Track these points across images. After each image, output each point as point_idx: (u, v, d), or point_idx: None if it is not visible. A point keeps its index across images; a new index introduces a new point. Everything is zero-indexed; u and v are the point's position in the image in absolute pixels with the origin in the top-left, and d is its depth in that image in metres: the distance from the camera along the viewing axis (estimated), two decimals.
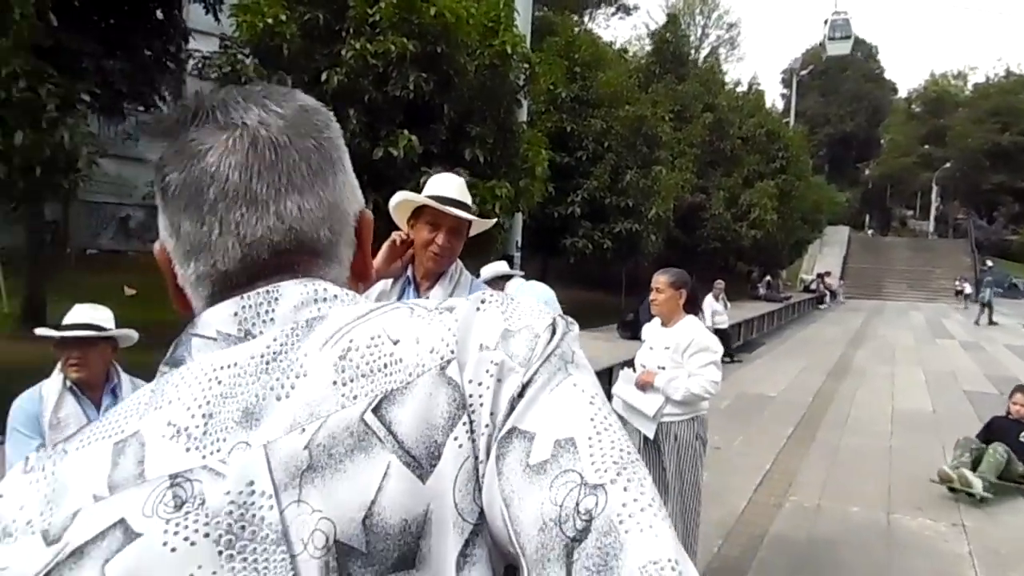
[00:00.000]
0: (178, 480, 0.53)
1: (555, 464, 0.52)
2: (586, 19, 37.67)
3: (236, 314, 0.61)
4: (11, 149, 4.25)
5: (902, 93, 70.14)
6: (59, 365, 2.56)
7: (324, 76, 8.09)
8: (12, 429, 2.48)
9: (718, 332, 12.21)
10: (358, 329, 0.59)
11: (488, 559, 0.54)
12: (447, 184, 2.25)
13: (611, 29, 69.20)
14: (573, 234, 13.59)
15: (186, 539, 0.51)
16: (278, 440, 0.54)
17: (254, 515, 0.52)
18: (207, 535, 0.51)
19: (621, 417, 3.77)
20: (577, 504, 0.50)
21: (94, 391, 2.60)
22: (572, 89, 13.98)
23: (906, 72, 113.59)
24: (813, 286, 30.70)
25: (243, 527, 0.52)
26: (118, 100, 9.09)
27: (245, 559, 0.51)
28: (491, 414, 0.55)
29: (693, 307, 3.81)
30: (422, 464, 0.53)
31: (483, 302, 0.61)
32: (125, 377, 2.71)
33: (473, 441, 0.54)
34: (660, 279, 3.79)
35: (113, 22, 8.74)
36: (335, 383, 0.56)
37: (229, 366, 0.58)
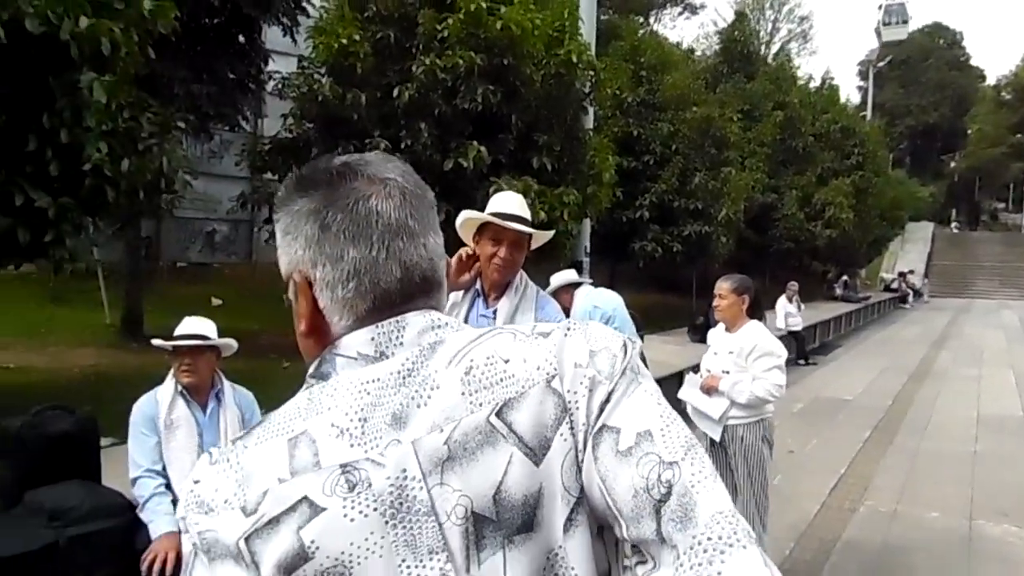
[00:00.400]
0: (347, 469, 0.71)
1: (638, 449, 0.71)
2: (651, 20, 37.39)
3: (373, 339, 0.77)
4: (118, 175, 4.64)
5: (990, 80, 66.70)
6: (171, 372, 2.85)
7: (396, 91, 8.40)
8: (134, 428, 2.76)
9: (792, 334, 12.09)
10: (475, 351, 0.77)
11: (587, 523, 0.73)
12: (508, 201, 2.42)
13: (677, 29, 68.39)
14: (642, 238, 13.58)
15: (361, 512, 0.69)
16: (423, 438, 0.72)
17: (408, 494, 0.70)
18: (375, 509, 0.69)
19: (687, 419, 3.86)
20: (659, 476, 0.69)
21: (201, 395, 2.87)
22: (638, 93, 13.99)
23: (994, 58, 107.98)
24: (894, 285, 29.58)
25: (401, 503, 0.70)
26: (205, 122, 9.64)
27: (405, 527, 0.70)
28: (586, 415, 0.74)
29: (756, 312, 3.85)
30: (536, 453, 0.72)
31: (569, 329, 0.80)
32: (227, 383, 2.98)
33: (574, 436, 0.73)
34: (723, 286, 3.86)
35: (199, 48, 9.27)
36: (463, 394, 0.74)
37: (373, 380, 0.75)
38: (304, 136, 9.25)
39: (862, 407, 8.74)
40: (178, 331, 2.85)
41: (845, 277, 22.95)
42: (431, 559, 0.69)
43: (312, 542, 0.69)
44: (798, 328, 12.25)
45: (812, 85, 25.83)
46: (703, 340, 10.08)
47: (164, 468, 2.72)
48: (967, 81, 64.53)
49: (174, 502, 2.67)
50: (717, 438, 3.75)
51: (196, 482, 0.77)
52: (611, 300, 4.76)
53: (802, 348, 12.32)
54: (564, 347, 0.77)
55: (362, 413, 0.73)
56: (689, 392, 3.92)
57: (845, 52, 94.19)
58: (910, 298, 28.82)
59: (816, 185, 19.94)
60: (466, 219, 2.42)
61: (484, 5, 8.30)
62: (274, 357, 8.81)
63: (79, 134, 4.40)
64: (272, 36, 10.78)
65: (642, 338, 5.23)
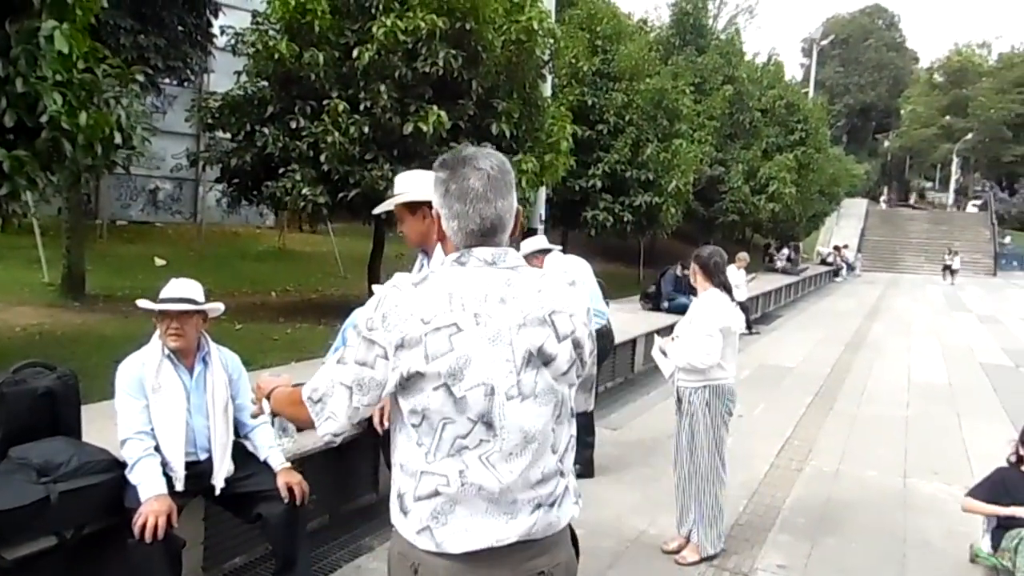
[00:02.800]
0: (477, 314, 1.43)
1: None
2: None
3: (492, 254, 1.49)
4: (76, 128, 4.48)
5: (924, 63, 69.04)
6: (156, 334, 2.82)
7: (355, 52, 8.25)
8: (121, 391, 2.74)
9: (738, 304, 12.45)
10: (536, 279, 1.52)
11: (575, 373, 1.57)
12: (396, 181, 2.89)
13: (628, 0, 68.32)
14: (594, 207, 13.73)
15: (479, 335, 1.42)
16: (513, 312, 1.46)
17: (502, 336, 1.44)
18: (486, 336, 1.42)
19: None
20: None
21: (187, 358, 2.86)
22: (594, 63, 14.01)
23: (929, 42, 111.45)
24: (830, 259, 30.67)
25: (498, 337, 1.43)
26: (153, 75, 9.28)
27: (498, 348, 1.43)
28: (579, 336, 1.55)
29: (712, 278, 3.93)
30: (560, 339, 1.49)
31: (572, 283, 1.61)
32: (213, 345, 2.97)
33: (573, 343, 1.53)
34: (694, 258, 4.02)
35: None
36: (537, 295, 1.49)
37: (491, 274, 1.48)
38: (259, 94, 9.01)
39: (804, 374, 9.16)
40: (164, 294, 2.82)
41: (788, 250, 23.65)
42: (506, 364, 1.43)
43: (452, 345, 1.40)
44: (743, 299, 12.66)
45: (759, 60, 26.29)
46: (656, 308, 10.46)
47: (152, 430, 2.71)
48: (903, 63, 66.58)
49: (162, 464, 2.68)
50: (674, 394, 3.95)
51: (386, 299, 1.45)
52: (580, 267, 4.87)
53: (747, 318, 12.75)
54: (570, 295, 1.56)
55: (485, 289, 1.45)
56: (655, 352, 4.10)
57: (788, 29, 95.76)
58: (843, 272, 29.96)
59: (761, 160, 20.40)
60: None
61: None
62: (224, 318, 8.66)
63: (35, 84, 4.23)
64: None
65: (607, 303, 5.36)
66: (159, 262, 12.62)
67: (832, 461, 5.67)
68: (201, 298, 2.87)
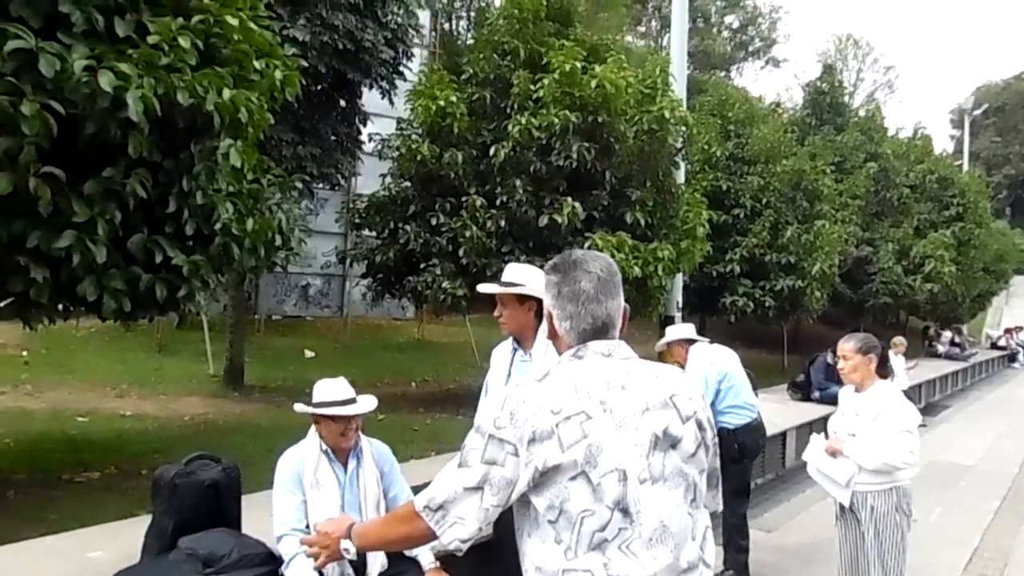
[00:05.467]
0: (603, 401, 1.47)
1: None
2: (733, 73, 37.40)
3: (608, 347, 1.56)
4: (244, 233, 4.89)
5: None
6: (312, 429, 2.91)
7: (492, 150, 8.64)
8: (279, 485, 2.83)
9: None
10: (651, 367, 1.58)
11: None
12: (506, 271, 3.02)
13: (759, 83, 68.08)
14: (733, 292, 13.29)
15: (607, 422, 1.45)
16: (634, 399, 1.48)
17: (627, 421, 1.46)
18: (613, 422, 1.45)
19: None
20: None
21: (342, 454, 2.93)
22: (727, 147, 13.91)
23: None
24: (1001, 342, 27.81)
25: (624, 422, 1.46)
26: (308, 182, 10.10)
27: (625, 433, 1.45)
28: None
29: (884, 370, 3.67)
30: (683, 421, 1.52)
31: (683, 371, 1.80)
32: (365, 439, 3.03)
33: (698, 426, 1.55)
34: (845, 347, 3.69)
35: (304, 112, 9.77)
36: (655, 381, 1.53)
37: (608, 366, 1.52)
38: (402, 194, 9.56)
39: (985, 473, 8.16)
40: (323, 396, 2.88)
41: (951, 334, 21.73)
42: (636, 448, 1.44)
43: (585, 432, 1.43)
44: (904, 388, 11.64)
45: (903, 135, 25.11)
46: (806, 398, 9.80)
47: (307, 526, 2.77)
48: None
49: None
50: (847, 503, 3.56)
51: (512, 396, 1.49)
52: (728, 358, 4.65)
53: None
54: (687, 380, 1.63)
55: (606, 378, 1.50)
56: (814, 454, 3.76)
57: (933, 100, 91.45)
58: (1020, 356, 27.03)
59: (913, 237, 19.13)
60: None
61: (578, 65, 8.50)
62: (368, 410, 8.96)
63: (212, 196, 4.68)
64: (369, 98, 11.27)
65: (756, 395, 5.05)
66: (308, 354, 13.37)
67: None
68: (353, 393, 2.94)
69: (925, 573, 4.71)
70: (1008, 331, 29.16)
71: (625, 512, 1.41)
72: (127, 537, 3.41)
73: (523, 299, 2.80)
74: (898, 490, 3.45)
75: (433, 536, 1.51)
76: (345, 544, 1.71)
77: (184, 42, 3.92)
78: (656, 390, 1.51)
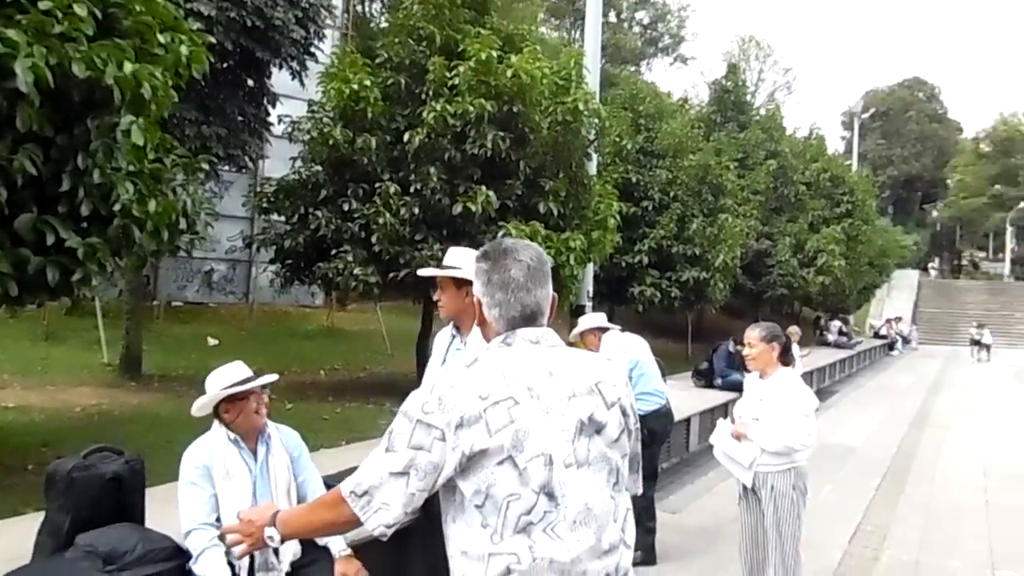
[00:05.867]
0: (529, 387, 1.49)
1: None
2: (643, 69, 38.26)
3: (536, 334, 1.58)
4: (146, 215, 4.65)
5: (968, 133, 68.35)
6: (216, 422, 2.81)
7: (406, 136, 8.52)
8: (186, 480, 2.71)
9: None
10: (578, 354, 1.63)
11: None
12: (448, 255, 2.95)
13: (667, 79, 69.94)
14: (640, 283, 13.67)
15: (534, 407, 1.47)
16: (561, 385, 1.51)
17: (554, 407, 1.48)
18: (540, 408, 1.47)
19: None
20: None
21: (251, 441, 2.84)
22: (637, 141, 14.25)
23: (972, 112, 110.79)
24: (883, 331, 29.82)
25: (550, 408, 1.48)
26: (215, 163, 9.69)
27: (552, 418, 1.47)
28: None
29: (787, 358, 3.87)
30: (608, 407, 1.55)
31: (609, 359, 1.79)
32: (272, 425, 2.96)
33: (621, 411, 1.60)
34: (751, 334, 3.88)
35: (209, 90, 9.36)
36: (581, 368, 1.56)
37: (536, 353, 1.55)
38: (313, 178, 9.32)
39: (868, 455, 8.75)
40: (222, 381, 2.80)
41: (838, 323, 23.10)
42: (561, 433, 1.47)
43: (512, 417, 1.44)
44: (799, 374, 12.29)
45: (800, 134, 26.41)
46: (709, 384, 10.20)
47: (218, 519, 2.67)
48: (946, 133, 66.09)
49: (226, 553, 2.62)
50: (749, 484, 3.75)
51: (440, 382, 1.50)
52: (638, 347, 4.79)
53: None
54: (612, 368, 1.66)
55: (533, 365, 1.52)
56: (720, 438, 3.93)
57: (826, 103, 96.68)
58: (899, 345, 29.05)
59: (808, 232, 20.22)
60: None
61: (495, 54, 8.49)
62: (275, 397, 8.72)
63: (111, 175, 4.43)
64: (279, 79, 10.91)
65: (665, 382, 5.22)
66: (212, 342, 12.87)
67: (910, 550, 5.33)
68: (251, 372, 2.87)
69: (815, 547, 5.00)
70: (889, 321, 31.32)
71: (550, 496, 1.44)
72: (13, 536, 3.21)
73: (461, 283, 2.76)
74: (796, 470, 3.66)
75: (358, 522, 1.50)
76: (269, 532, 1.67)
77: (80, 10, 3.68)
78: (582, 377, 1.54)
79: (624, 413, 1.59)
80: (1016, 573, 4.95)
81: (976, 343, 28.07)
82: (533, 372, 1.51)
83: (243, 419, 2.76)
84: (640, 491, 1.78)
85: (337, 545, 2.90)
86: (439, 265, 2.94)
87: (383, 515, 1.48)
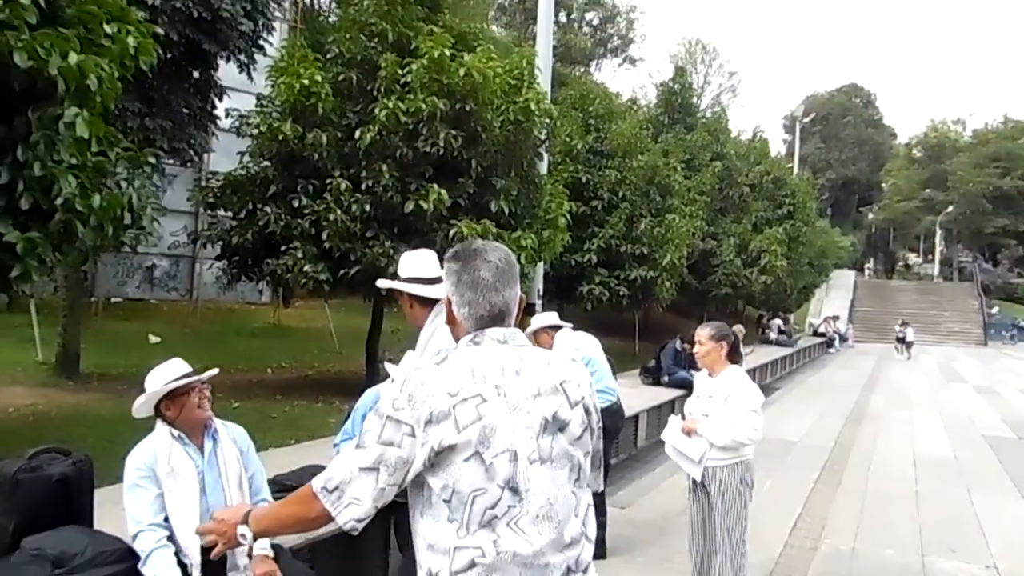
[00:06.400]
0: (497, 386, 1.53)
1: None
2: (592, 69, 38.60)
3: (504, 334, 1.63)
4: (89, 210, 4.52)
5: (902, 139, 71.11)
6: (159, 422, 2.77)
7: (357, 133, 8.44)
8: (131, 482, 2.66)
9: None
10: (544, 354, 1.68)
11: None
12: (406, 260, 2.92)
13: (616, 80, 70.70)
14: (589, 281, 13.83)
15: (501, 405, 1.52)
16: (527, 383, 1.56)
17: (521, 405, 1.54)
18: (506, 406, 1.53)
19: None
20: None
21: (196, 437, 2.81)
22: (587, 141, 14.39)
23: (905, 118, 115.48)
24: (822, 329, 30.80)
25: (517, 407, 1.54)
26: (160, 156, 9.43)
27: (517, 416, 1.53)
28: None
29: (735, 357, 4.01)
30: (572, 406, 1.60)
31: (574, 360, 1.79)
32: (218, 421, 2.93)
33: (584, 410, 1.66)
34: (701, 333, 4.01)
35: (153, 82, 9.11)
36: (547, 367, 1.61)
37: (504, 352, 1.60)
38: (261, 173, 9.15)
39: (808, 448, 9.06)
40: (163, 377, 2.77)
41: (779, 322, 23.77)
42: (527, 431, 1.52)
43: (480, 414, 1.49)
44: None
45: (743, 137, 27.06)
46: (656, 382, 10.40)
47: (166, 519, 2.63)
48: (881, 138, 68.63)
49: (175, 554, 2.59)
50: (698, 477, 3.87)
51: (410, 379, 1.54)
52: (590, 344, 4.87)
53: None
54: (576, 367, 1.71)
55: (501, 364, 1.57)
56: (671, 433, 4.04)
57: (768, 106, 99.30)
58: (836, 343, 30.05)
59: (752, 233, 20.74)
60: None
61: (447, 52, 8.48)
62: (221, 396, 8.55)
63: (52, 168, 4.29)
64: (226, 72, 10.68)
65: (615, 379, 5.32)
66: (153, 339, 12.52)
67: (847, 539, 5.56)
68: (190, 368, 2.85)
69: (758, 539, 5.15)
70: (827, 319, 32.36)
71: (515, 491, 1.49)
72: None
73: (426, 301, 2.76)
74: (743, 464, 3.79)
75: (329, 517, 1.52)
76: (241, 530, 1.69)
77: None
78: (547, 376, 1.59)
79: (587, 412, 1.64)
80: (942, 558, 5.21)
81: (900, 340, 28.86)
82: (500, 371, 1.56)
83: (186, 414, 2.74)
84: (601, 487, 1.85)
85: (258, 544, 2.90)
86: (391, 264, 2.92)
87: (353, 510, 1.51)
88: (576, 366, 1.71)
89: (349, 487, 1.50)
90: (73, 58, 3.74)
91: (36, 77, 3.69)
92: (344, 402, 8.65)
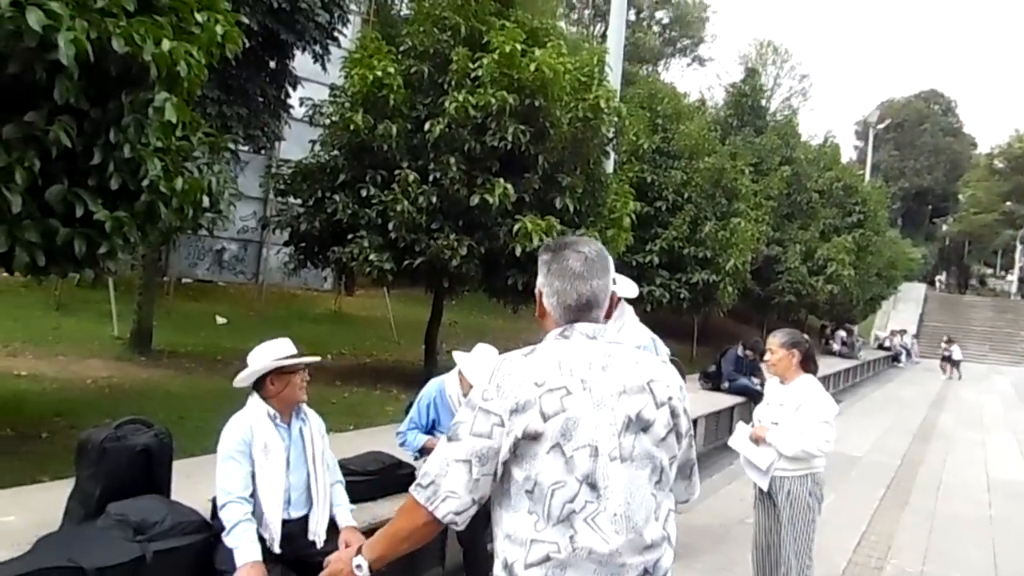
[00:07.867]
0: (583, 379, 1.53)
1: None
2: (660, 68, 38.14)
3: (593, 329, 1.62)
4: (172, 192, 4.68)
5: (983, 148, 68.02)
6: (253, 397, 2.85)
7: (427, 125, 8.53)
8: (226, 455, 2.74)
9: None
10: (633, 352, 1.65)
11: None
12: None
13: (684, 80, 69.62)
14: (651, 283, 13.66)
15: (585, 400, 1.51)
16: (614, 380, 1.55)
17: (605, 401, 1.52)
18: (591, 401, 1.52)
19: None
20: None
21: (286, 416, 2.89)
22: (654, 140, 14.22)
23: (987, 127, 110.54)
24: (887, 343, 29.78)
25: (602, 402, 1.52)
26: (238, 142, 9.71)
27: (602, 412, 1.52)
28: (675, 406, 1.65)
29: (809, 365, 3.88)
30: (658, 406, 1.57)
31: (664, 361, 2.32)
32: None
33: (671, 412, 1.62)
34: (773, 340, 3.91)
35: (231, 70, 9.37)
36: (635, 366, 1.60)
37: (593, 347, 1.58)
38: (331, 163, 9.33)
39: (873, 464, 8.77)
40: (273, 354, 2.85)
41: (843, 333, 23.07)
42: (609, 427, 1.50)
43: (564, 406, 1.49)
44: None
45: (814, 142, 26.32)
46: (716, 388, 10.22)
47: (252, 494, 2.71)
48: (960, 147, 65.78)
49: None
50: (765, 487, 3.78)
51: (499, 369, 1.56)
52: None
53: None
54: (666, 368, 1.66)
55: (588, 358, 1.56)
56: (739, 441, 3.95)
57: (840, 111, 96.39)
58: (903, 357, 29.02)
59: (819, 240, 20.18)
60: None
61: (518, 47, 8.48)
62: None
63: (140, 150, 4.45)
64: (301, 62, 10.92)
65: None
66: (220, 320, 12.92)
67: (914, 560, 5.35)
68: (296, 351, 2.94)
69: (822, 554, 4.99)
70: (893, 333, 31.26)
71: (593, 486, 1.47)
72: (38, 502, 3.25)
73: None
74: (812, 476, 3.68)
75: (434, 520, 1.51)
76: (357, 561, 1.65)
77: None
78: (635, 374, 1.57)
79: (674, 414, 1.60)
80: None
81: (946, 359, 26.04)
82: (588, 365, 1.54)
83: (288, 392, 2.82)
84: (695, 496, 1.81)
85: (344, 517, 2.97)
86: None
87: (451, 503, 1.50)
88: (666, 367, 1.68)
89: (444, 480, 1.51)
90: (166, 44, 3.87)
91: (131, 63, 3.83)
92: (402, 391, 8.76)
